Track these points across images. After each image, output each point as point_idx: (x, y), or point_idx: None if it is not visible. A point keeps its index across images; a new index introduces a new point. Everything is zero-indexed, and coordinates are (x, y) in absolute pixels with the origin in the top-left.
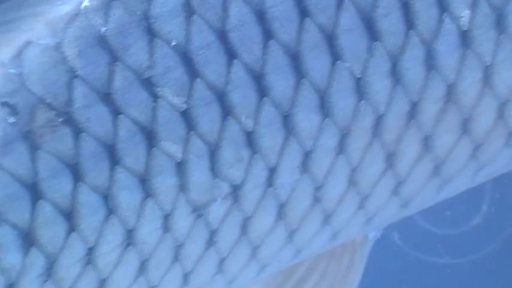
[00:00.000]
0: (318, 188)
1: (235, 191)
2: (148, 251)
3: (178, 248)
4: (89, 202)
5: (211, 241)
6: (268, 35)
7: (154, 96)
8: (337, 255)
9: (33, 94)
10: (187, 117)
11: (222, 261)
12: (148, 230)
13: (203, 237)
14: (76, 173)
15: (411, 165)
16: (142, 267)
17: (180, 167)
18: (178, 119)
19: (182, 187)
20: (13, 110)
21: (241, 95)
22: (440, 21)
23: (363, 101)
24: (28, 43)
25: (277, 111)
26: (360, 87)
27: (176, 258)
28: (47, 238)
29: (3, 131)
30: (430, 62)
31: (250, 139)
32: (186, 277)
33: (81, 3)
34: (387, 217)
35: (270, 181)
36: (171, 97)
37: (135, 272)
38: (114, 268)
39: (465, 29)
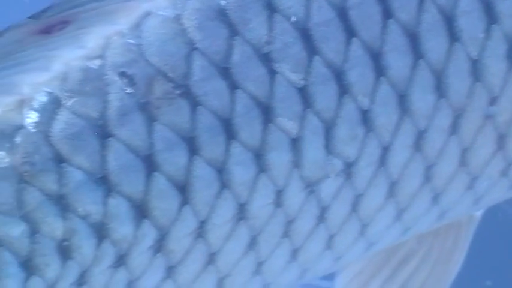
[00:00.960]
0: (429, 167)
1: (348, 168)
2: (258, 225)
3: (288, 223)
4: (203, 176)
5: (321, 217)
6: (387, 14)
7: (272, 72)
8: (442, 235)
9: (152, 65)
10: (304, 94)
11: (330, 238)
12: (260, 205)
13: (314, 213)
14: (192, 146)
15: None
16: (252, 242)
17: (295, 143)
18: (295, 96)
19: (296, 163)
20: (131, 80)
21: (359, 73)
22: None
23: (478, 83)
24: (148, 14)
25: (393, 91)
26: (476, 70)
27: (286, 233)
28: (160, 210)
29: (120, 102)
30: None
31: (365, 118)
32: (294, 253)
33: None
34: (495, 197)
35: (382, 159)
36: (289, 73)
37: (244, 247)
38: (224, 242)
39: None
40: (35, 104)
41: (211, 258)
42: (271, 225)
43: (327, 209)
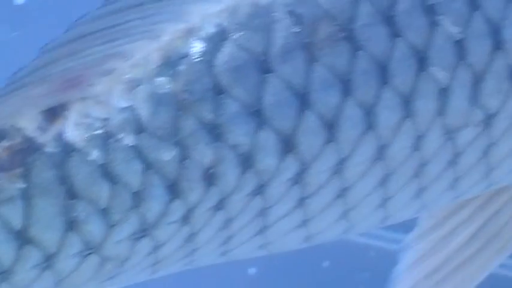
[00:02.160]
0: None
1: (488, 119)
2: (393, 166)
3: (421, 166)
4: (351, 116)
5: (453, 162)
6: None
7: (434, 24)
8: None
9: (320, 7)
10: (459, 47)
11: (455, 180)
12: (399, 147)
13: (446, 158)
14: (345, 88)
15: None
16: (383, 180)
17: (443, 92)
18: (451, 48)
19: (440, 111)
20: (298, 19)
21: None
22: None
23: None
24: None
25: None
26: None
27: (416, 174)
28: (305, 146)
29: (285, 40)
30: None
31: None
32: (419, 191)
33: None
34: None
35: None
36: (449, 26)
37: (375, 184)
38: (358, 179)
39: None
40: (203, 34)
41: (342, 193)
42: (405, 167)
43: (459, 155)
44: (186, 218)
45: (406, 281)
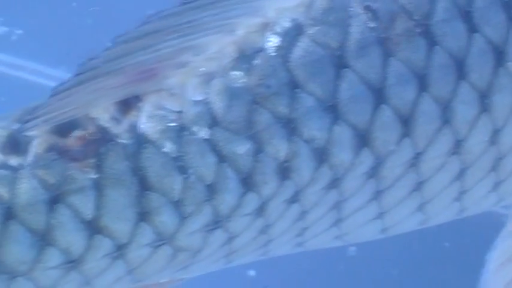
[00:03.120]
0: None
1: None
2: (470, 160)
3: (498, 160)
4: (427, 111)
5: None
6: None
7: (511, 19)
8: None
9: (396, 2)
10: None
11: None
12: (476, 142)
13: None
14: (422, 83)
15: None
16: (460, 174)
17: None
18: None
19: None
20: (374, 15)
21: None
22: None
23: None
24: None
25: None
26: None
27: (493, 168)
28: (381, 141)
29: (361, 35)
30: None
31: None
32: (496, 185)
33: None
34: None
35: None
36: None
37: (452, 178)
38: (434, 173)
39: None
40: (278, 29)
41: (418, 186)
42: (482, 161)
43: None
44: (260, 211)
45: (495, 283)
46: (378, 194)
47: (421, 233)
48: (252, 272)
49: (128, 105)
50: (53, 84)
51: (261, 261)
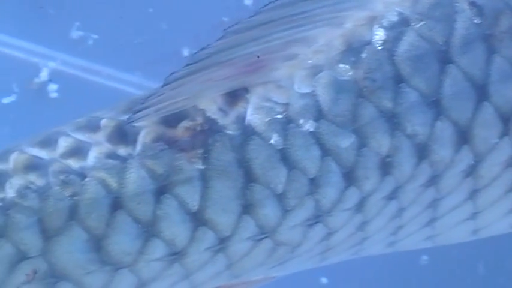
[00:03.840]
0: None
1: None
2: None
3: None
4: None
5: None
6: None
7: None
8: None
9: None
10: None
11: None
12: None
13: None
14: None
15: None
16: None
17: None
18: None
19: None
20: (479, 11)
21: None
22: None
23: None
24: None
25: None
26: None
27: None
28: (481, 138)
29: (466, 30)
30: None
31: None
32: None
33: None
34: None
35: None
36: None
37: None
38: None
39: None
40: (385, 23)
41: None
42: None
43: None
44: (359, 206)
45: None
46: (473, 193)
47: None
48: (324, 280)
49: (235, 96)
50: (128, 89)
51: (333, 269)
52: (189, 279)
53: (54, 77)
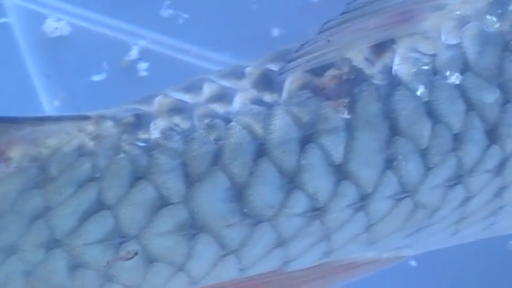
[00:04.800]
0: None
1: None
2: None
3: None
4: None
5: None
6: None
7: None
8: None
9: None
10: None
11: None
12: None
13: None
14: None
15: None
16: None
17: None
18: None
19: None
20: None
21: None
22: None
23: None
24: None
25: None
26: None
27: None
28: None
29: None
30: None
31: None
32: None
33: None
34: None
35: None
36: None
37: None
38: None
39: None
40: None
41: None
42: None
43: None
44: (500, 168)
45: None
46: None
47: None
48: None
49: (381, 47)
50: (217, 69)
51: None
52: (327, 240)
53: (144, 55)
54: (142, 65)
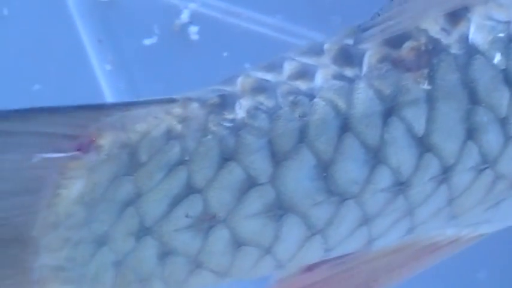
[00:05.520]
0: None
1: None
2: None
3: None
4: None
5: None
6: None
7: None
8: None
9: None
10: None
11: None
12: None
13: None
14: None
15: None
16: None
17: None
18: None
19: None
20: None
21: None
22: None
23: None
24: None
25: None
26: None
27: None
28: None
29: None
30: None
31: None
32: None
33: None
34: None
35: None
36: None
37: None
38: None
39: None
40: None
41: None
42: None
43: None
44: None
45: None
46: None
47: None
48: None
49: (456, 16)
50: (268, 32)
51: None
52: (411, 216)
53: (194, 19)
54: (193, 29)
